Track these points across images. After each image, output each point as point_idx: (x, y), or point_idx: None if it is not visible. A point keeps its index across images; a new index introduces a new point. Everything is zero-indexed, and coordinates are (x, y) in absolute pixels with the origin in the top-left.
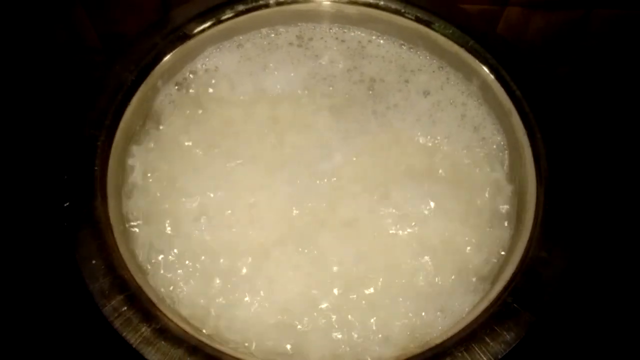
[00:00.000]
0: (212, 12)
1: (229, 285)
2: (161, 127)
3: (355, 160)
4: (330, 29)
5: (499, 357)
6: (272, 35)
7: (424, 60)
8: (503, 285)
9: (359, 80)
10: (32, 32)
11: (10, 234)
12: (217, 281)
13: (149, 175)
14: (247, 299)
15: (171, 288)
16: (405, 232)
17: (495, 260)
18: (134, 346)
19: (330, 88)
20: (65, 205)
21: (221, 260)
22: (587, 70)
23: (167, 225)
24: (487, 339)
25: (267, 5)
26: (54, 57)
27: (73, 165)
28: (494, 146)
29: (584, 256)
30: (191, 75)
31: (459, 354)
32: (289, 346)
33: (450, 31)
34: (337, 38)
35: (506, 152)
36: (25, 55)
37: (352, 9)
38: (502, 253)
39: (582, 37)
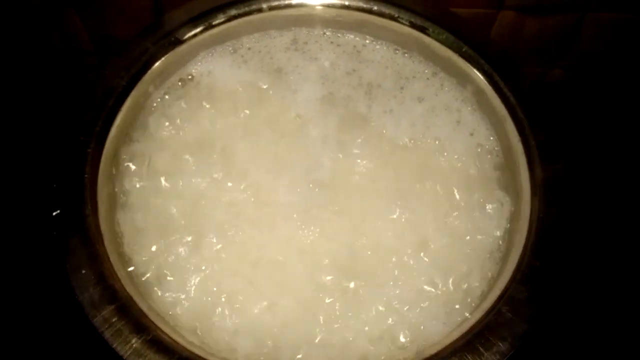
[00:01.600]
0: (205, 17)
1: (225, 294)
2: (153, 134)
3: (353, 165)
4: (324, 33)
5: None
6: (267, 39)
7: (418, 66)
8: (497, 294)
9: (357, 85)
10: (25, 35)
11: None
12: (214, 289)
13: (140, 182)
14: (246, 308)
15: (163, 296)
16: (400, 237)
17: (488, 269)
18: (124, 358)
19: (330, 91)
20: (54, 213)
21: (215, 266)
22: (581, 74)
23: (159, 233)
24: (482, 349)
25: (260, 10)
26: (46, 60)
27: (63, 173)
28: (488, 152)
29: (579, 265)
30: (183, 81)
31: None
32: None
33: (444, 36)
34: (332, 42)
35: (500, 158)
36: (17, 58)
37: (346, 14)
38: (496, 262)
39: (576, 41)
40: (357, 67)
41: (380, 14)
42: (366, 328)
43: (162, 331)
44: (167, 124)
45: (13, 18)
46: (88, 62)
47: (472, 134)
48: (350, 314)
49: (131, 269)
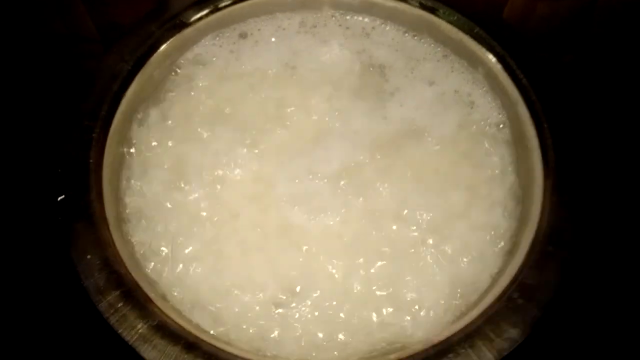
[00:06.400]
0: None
1: (230, 280)
2: (158, 118)
3: (362, 151)
4: (333, 16)
5: (504, 353)
6: (274, 22)
7: (428, 48)
8: (509, 280)
9: (368, 66)
10: (29, 23)
11: (3, 229)
12: (218, 276)
13: (146, 167)
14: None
15: (168, 282)
16: (405, 224)
17: (499, 253)
18: (130, 343)
19: (340, 74)
20: (59, 199)
21: (220, 250)
22: (594, 58)
23: (165, 218)
24: (492, 335)
25: None
26: (50, 48)
27: (68, 158)
28: (500, 136)
29: (592, 250)
30: (189, 64)
31: (463, 351)
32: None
33: (455, 18)
34: (340, 25)
35: (512, 142)
36: (21, 46)
37: None
38: (508, 247)
39: (589, 25)
40: (367, 49)
41: None
42: (371, 313)
43: (168, 316)
44: (173, 108)
45: (18, 6)
46: (93, 49)
47: (483, 117)
48: (349, 302)
49: (137, 254)
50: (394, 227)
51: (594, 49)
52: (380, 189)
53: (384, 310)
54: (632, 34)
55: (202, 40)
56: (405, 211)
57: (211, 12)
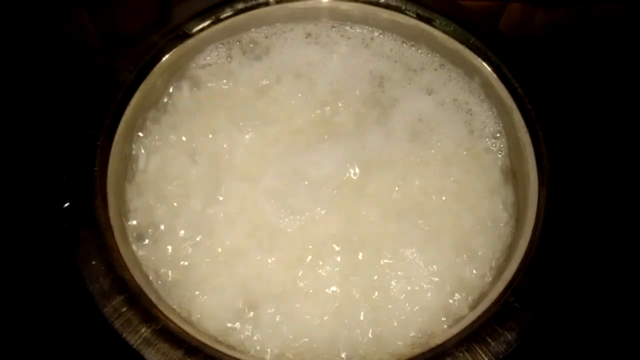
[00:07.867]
0: (212, 11)
1: (228, 285)
2: (161, 126)
3: (365, 158)
4: (333, 26)
5: (501, 357)
6: (275, 32)
7: (425, 58)
8: (505, 284)
9: (370, 78)
10: (34, 32)
11: (10, 235)
12: (217, 280)
13: (149, 173)
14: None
15: (169, 285)
16: (402, 226)
17: (496, 260)
18: (134, 347)
19: (345, 84)
20: (65, 205)
21: (220, 256)
22: (589, 66)
23: (168, 223)
24: (489, 339)
25: (267, 4)
26: (55, 57)
27: (73, 166)
28: (496, 144)
29: (586, 256)
30: (191, 74)
31: (460, 355)
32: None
33: (451, 28)
34: (342, 35)
35: (508, 149)
36: (26, 55)
37: (353, 6)
38: (504, 253)
39: (585, 34)
40: (368, 59)
41: (386, 6)
42: (362, 319)
43: (172, 321)
44: (174, 116)
45: (22, 15)
46: (96, 58)
47: (479, 125)
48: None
49: (140, 259)
50: (395, 229)
51: (591, 56)
52: (382, 189)
53: (375, 315)
54: (628, 41)
55: (205, 51)
56: (405, 211)
57: (213, 23)
